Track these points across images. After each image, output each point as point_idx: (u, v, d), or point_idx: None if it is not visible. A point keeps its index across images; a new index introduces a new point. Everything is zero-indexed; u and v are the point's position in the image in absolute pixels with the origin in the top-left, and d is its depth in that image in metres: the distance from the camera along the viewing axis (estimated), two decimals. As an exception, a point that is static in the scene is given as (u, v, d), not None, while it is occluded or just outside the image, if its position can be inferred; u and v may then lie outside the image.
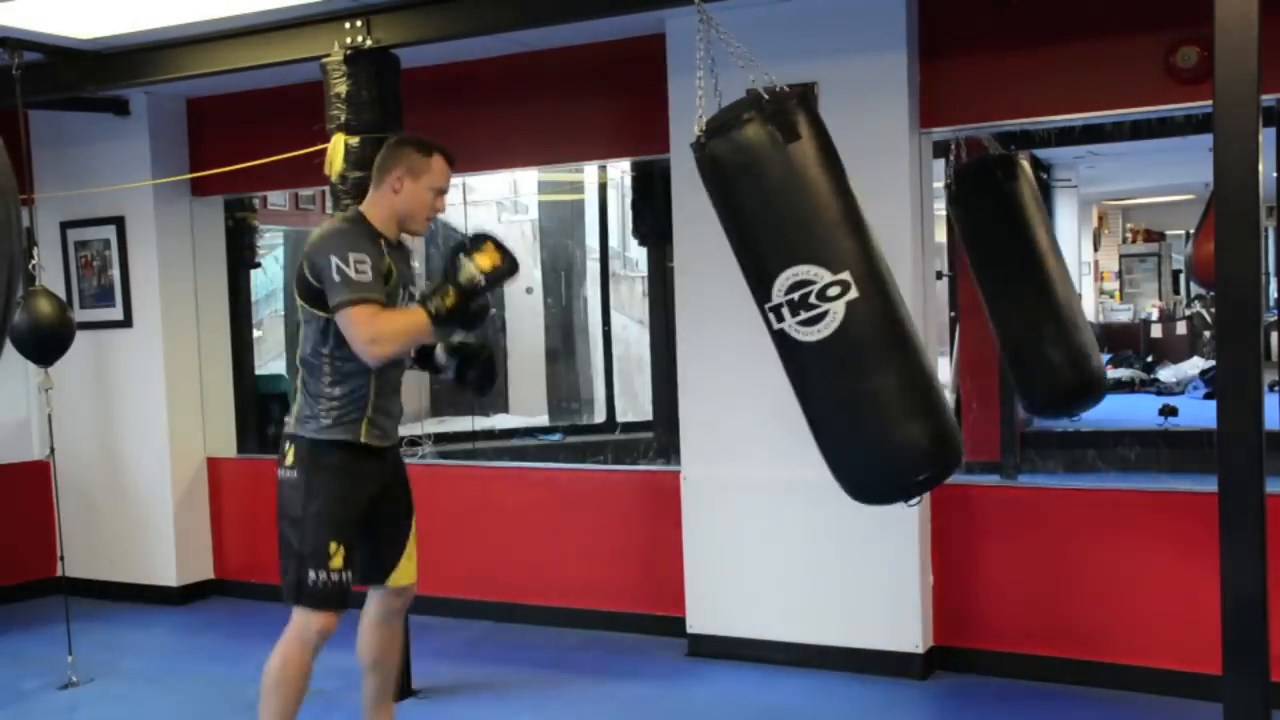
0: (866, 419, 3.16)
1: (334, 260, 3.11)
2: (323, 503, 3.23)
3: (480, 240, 3.23)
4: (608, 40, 4.85)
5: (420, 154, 3.31)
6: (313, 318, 3.24)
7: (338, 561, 3.21)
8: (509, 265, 3.22)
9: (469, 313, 3.24)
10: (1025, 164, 5.33)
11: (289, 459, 3.28)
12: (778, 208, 3.18)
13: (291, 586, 3.24)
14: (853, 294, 3.08)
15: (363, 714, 3.66)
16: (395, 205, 3.31)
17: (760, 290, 3.18)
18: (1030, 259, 4.77)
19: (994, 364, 7.68)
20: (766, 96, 3.21)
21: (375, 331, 3.09)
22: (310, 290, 3.20)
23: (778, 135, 3.16)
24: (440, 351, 3.54)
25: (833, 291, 3.08)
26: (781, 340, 3.15)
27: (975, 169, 4.85)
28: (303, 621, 3.24)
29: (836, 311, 3.08)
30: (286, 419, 3.35)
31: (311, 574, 3.20)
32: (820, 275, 3.09)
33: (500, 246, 3.23)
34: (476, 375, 3.52)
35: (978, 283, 5.10)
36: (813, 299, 3.09)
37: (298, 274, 3.24)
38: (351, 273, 3.09)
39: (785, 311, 3.12)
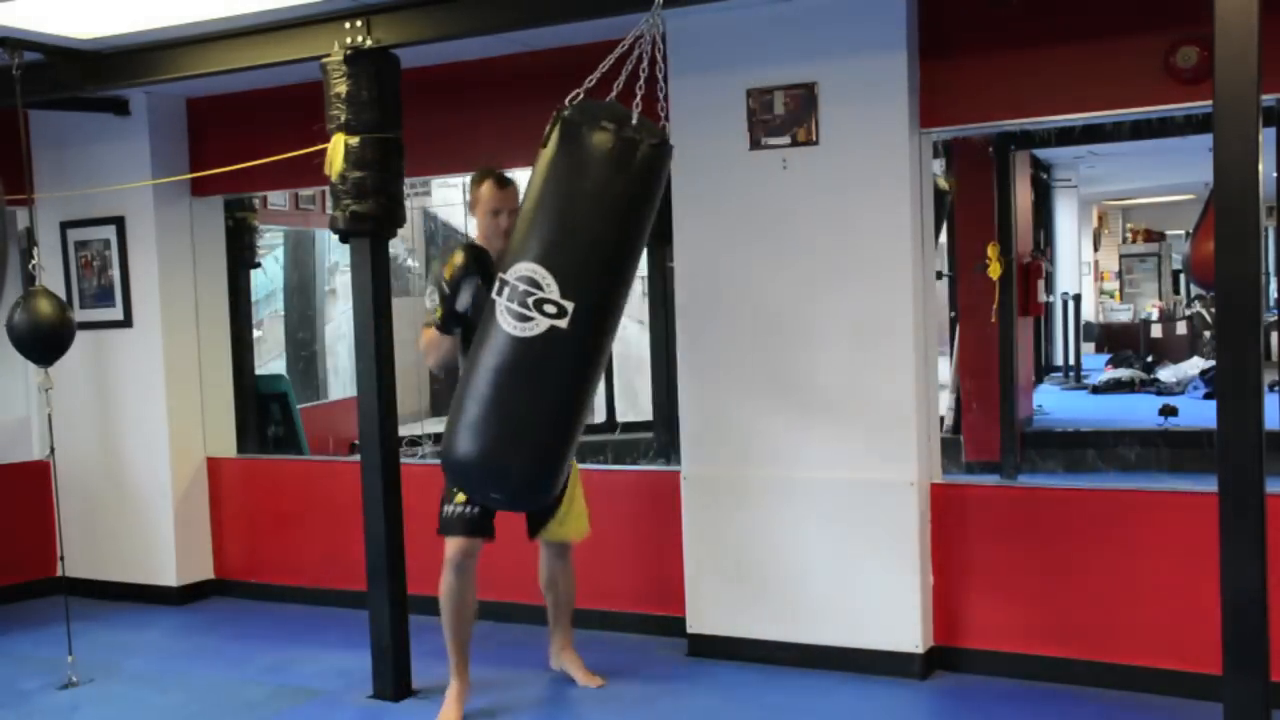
0: (496, 418, 3.39)
1: (428, 290, 3.99)
2: None
3: (450, 253, 3.89)
4: (608, 40, 4.83)
5: (475, 185, 4.01)
6: None
7: (461, 497, 3.92)
8: (469, 265, 3.86)
9: (457, 311, 3.92)
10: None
11: None
12: (570, 211, 3.31)
13: (439, 521, 4.03)
14: (562, 324, 3.25)
15: (549, 626, 4.51)
16: (479, 229, 4.07)
17: (508, 259, 3.40)
18: None
19: (994, 364, 7.70)
20: (636, 120, 3.27)
21: (420, 349, 4.02)
22: None
23: (616, 157, 3.25)
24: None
25: (549, 309, 3.27)
26: (489, 310, 3.41)
27: None
28: (447, 547, 4.03)
29: (540, 326, 3.28)
30: None
31: (444, 508, 3.99)
32: (551, 290, 3.25)
33: (466, 249, 3.91)
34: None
35: None
36: (530, 301, 3.27)
37: None
38: (427, 302, 3.95)
39: (507, 292, 3.33)
